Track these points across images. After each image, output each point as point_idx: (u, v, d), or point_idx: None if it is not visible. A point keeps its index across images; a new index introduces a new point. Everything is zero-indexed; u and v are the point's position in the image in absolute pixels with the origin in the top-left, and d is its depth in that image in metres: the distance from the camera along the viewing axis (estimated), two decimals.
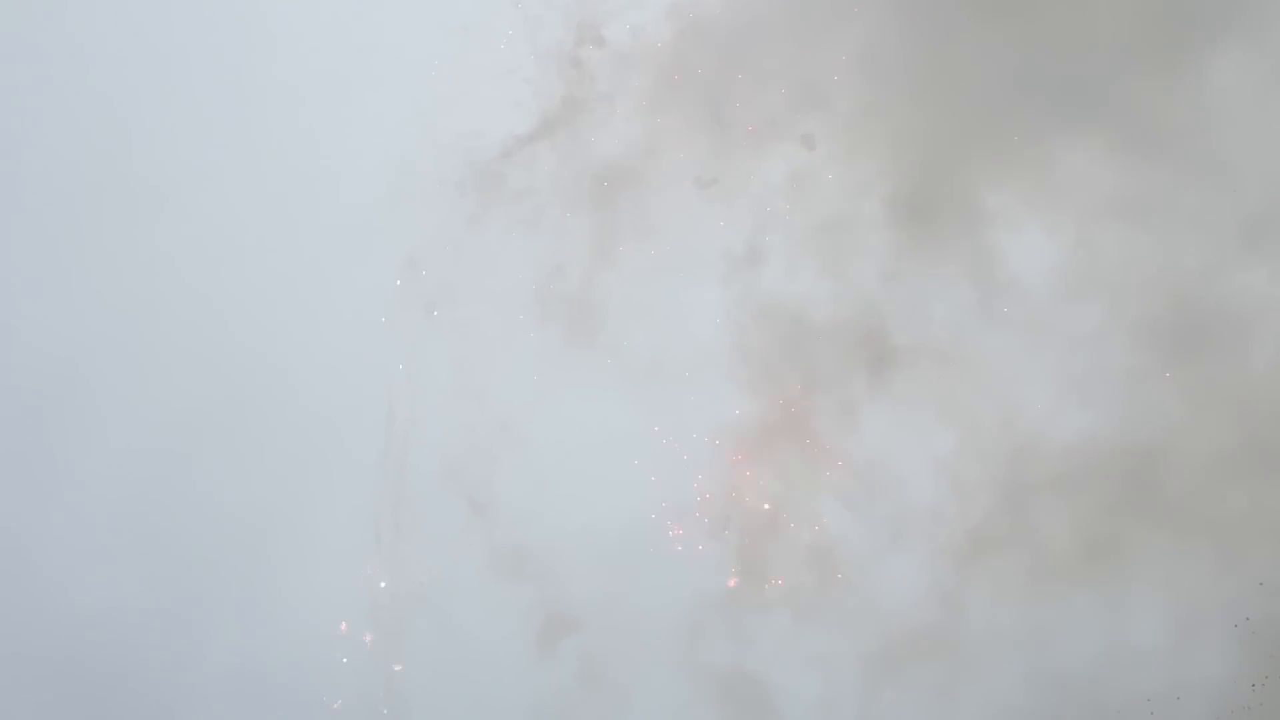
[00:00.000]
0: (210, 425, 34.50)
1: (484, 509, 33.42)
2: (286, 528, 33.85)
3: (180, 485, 34.35)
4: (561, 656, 32.88)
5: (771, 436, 33.18)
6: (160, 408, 34.63)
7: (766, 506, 33.05)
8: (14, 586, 34.04)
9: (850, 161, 33.00)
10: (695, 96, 33.55)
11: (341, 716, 33.16)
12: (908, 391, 32.64)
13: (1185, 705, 29.82)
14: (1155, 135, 31.31)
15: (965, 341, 32.45)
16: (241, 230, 34.87)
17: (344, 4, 34.94)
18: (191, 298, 34.81)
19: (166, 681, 33.83)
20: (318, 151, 34.61)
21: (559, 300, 33.76)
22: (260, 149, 34.79)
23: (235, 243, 34.85)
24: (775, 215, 33.46)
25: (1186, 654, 30.29)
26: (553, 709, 32.77)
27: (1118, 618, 31.04)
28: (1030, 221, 32.12)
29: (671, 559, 33.03)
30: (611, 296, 33.67)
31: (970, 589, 31.89)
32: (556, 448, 33.59)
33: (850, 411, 32.89)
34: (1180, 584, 30.57)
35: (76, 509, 34.29)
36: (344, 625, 33.28)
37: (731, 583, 32.80)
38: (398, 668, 33.26)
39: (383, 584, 33.44)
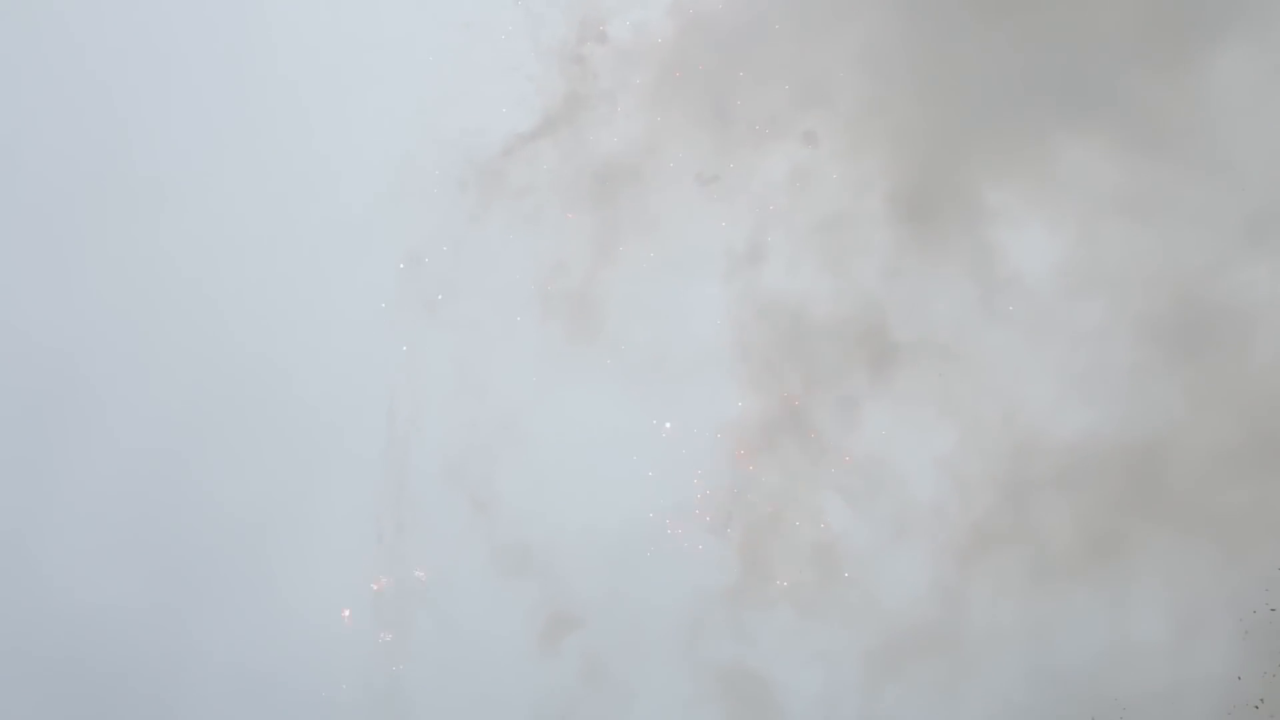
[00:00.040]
0: (212, 423, 34.50)
1: (486, 506, 33.43)
2: (288, 525, 33.85)
3: (182, 483, 34.34)
4: (564, 654, 32.89)
5: (773, 434, 33.18)
6: (161, 405, 34.63)
7: (768, 505, 33.09)
8: (15, 584, 34.00)
9: (852, 158, 33.02)
10: (697, 93, 33.58)
11: (344, 714, 33.14)
12: (909, 388, 32.68)
13: (1190, 702, 29.83)
14: (1158, 132, 31.35)
15: (967, 338, 32.47)
16: (242, 227, 34.86)
17: (346, 1, 34.95)
18: (192, 295, 34.79)
19: (168, 679, 33.80)
20: (319, 148, 34.63)
21: (560, 297, 33.78)
22: (261, 146, 34.79)
23: (236, 240, 34.85)
24: (777, 212, 33.47)
25: (1189, 650, 30.30)
26: (556, 706, 32.77)
27: (1120, 614, 31.07)
28: (1032, 218, 32.15)
29: (673, 556, 33.03)
30: (613, 294, 33.71)
31: (972, 586, 31.92)
32: (558, 445, 33.61)
33: (852, 408, 32.89)
34: (1183, 580, 30.60)
35: (78, 506, 34.26)
36: (347, 612, 33.28)
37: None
38: (398, 667, 33.25)
39: (385, 582, 33.44)
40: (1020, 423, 32.07)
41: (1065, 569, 31.45)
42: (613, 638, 32.83)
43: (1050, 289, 32.05)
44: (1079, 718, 30.74)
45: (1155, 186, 31.41)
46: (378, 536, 33.46)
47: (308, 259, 34.52)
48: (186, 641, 33.92)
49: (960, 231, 32.39)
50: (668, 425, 33.33)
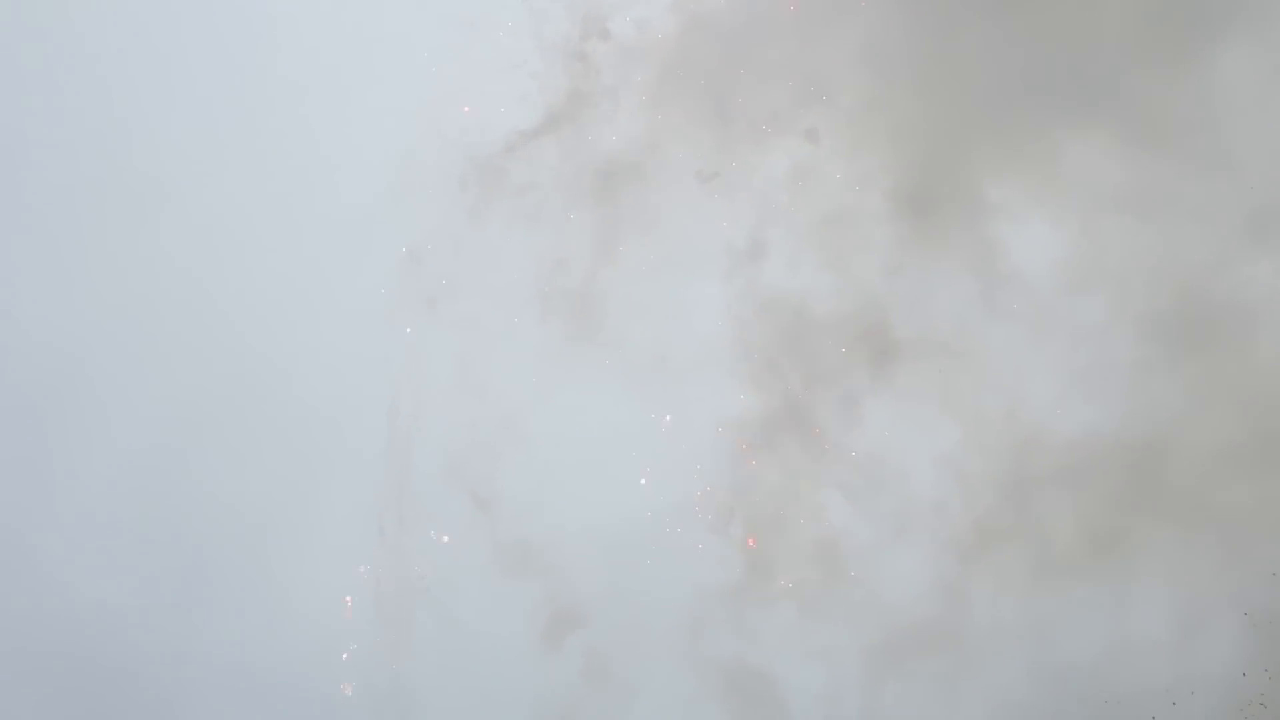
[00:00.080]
0: (213, 420, 34.45)
1: (487, 504, 33.41)
2: (289, 523, 33.81)
3: (183, 480, 34.29)
4: (566, 651, 32.87)
5: (774, 431, 33.17)
6: (162, 403, 34.57)
7: (770, 502, 33.09)
8: (16, 581, 33.94)
9: (853, 155, 33.02)
10: (698, 90, 33.56)
11: (345, 711, 33.11)
12: (911, 385, 32.67)
13: (1194, 699, 29.82)
14: (1160, 129, 31.37)
15: (968, 335, 32.46)
16: (243, 225, 34.80)
17: None
18: (193, 293, 34.73)
19: (169, 676, 33.76)
20: (320, 146, 34.57)
21: (561, 295, 33.75)
22: (262, 143, 34.72)
23: (237, 238, 34.79)
24: (778, 209, 33.46)
25: (1192, 647, 30.31)
26: (557, 703, 32.74)
27: (1122, 611, 31.07)
28: (1034, 214, 32.14)
29: (676, 553, 33.01)
30: (613, 291, 33.68)
31: (974, 582, 31.91)
32: (559, 443, 33.58)
33: (853, 405, 32.88)
34: (1185, 577, 30.60)
35: (79, 504, 34.20)
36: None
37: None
38: (400, 665, 33.24)
39: (385, 580, 33.44)
40: (1022, 419, 32.07)
41: (1067, 566, 31.46)
42: (615, 635, 32.83)
43: (1052, 286, 32.05)
44: (1081, 715, 30.77)
45: (1157, 183, 31.43)
46: (379, 533, 33.45)
47: (308, 256, 34.51)
48: (188, 639, 33.89)
49: (961, 228, 32.41)
50: (667, 417, 33.34)
